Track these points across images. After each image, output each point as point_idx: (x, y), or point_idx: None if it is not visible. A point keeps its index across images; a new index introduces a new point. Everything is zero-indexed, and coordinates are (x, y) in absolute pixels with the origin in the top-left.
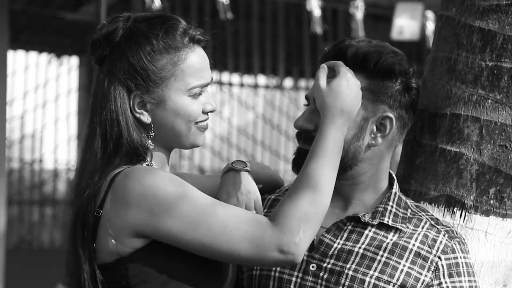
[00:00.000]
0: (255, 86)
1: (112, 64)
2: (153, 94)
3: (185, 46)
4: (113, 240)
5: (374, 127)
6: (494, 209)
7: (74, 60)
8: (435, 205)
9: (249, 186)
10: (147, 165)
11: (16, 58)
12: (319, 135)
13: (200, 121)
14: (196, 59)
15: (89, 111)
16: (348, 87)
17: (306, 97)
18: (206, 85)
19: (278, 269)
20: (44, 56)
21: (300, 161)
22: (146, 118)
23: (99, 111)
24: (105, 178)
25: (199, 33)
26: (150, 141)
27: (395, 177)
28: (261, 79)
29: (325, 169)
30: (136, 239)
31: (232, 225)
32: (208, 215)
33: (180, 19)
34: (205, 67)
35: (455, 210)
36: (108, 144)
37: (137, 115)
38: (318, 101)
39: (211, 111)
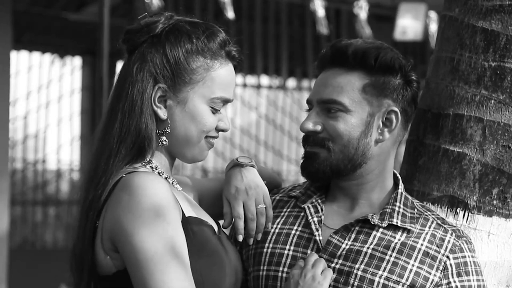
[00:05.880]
0: (258, 87)
1: (146, 51)
2: (177, 92)
3: (221, 56)
4: (107, 256)
5: (381, 122)
6: (497, 210)
7: (77, 61)
8: (438, 205)
9: (257, 181)
10: (149, 165)
11: (19, 59)
12: None
13: (211, 136)
14: (228, 73)
15: (111, 97)
16: None
17: (308, 101)
18: (228, 101)
19: (285, 269)
20: (47, 57)
21: (309, 165)
22: (163, 113)
23: (124, 96)
24: (111, 177)
25: (235, 49)
26: (164, 137)
27: (399, 177)
28: (264, 80)
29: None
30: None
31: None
32: (162, 264)
33: (222, 31)
34: (233, 84)
35: (458, 210)
36: (122, 130)
37: (155, 108)
38: None
39: (223, 130)
